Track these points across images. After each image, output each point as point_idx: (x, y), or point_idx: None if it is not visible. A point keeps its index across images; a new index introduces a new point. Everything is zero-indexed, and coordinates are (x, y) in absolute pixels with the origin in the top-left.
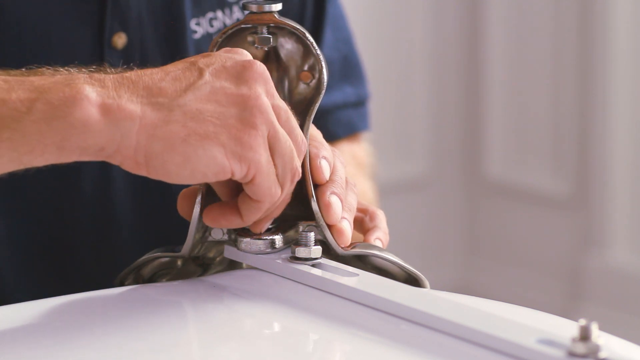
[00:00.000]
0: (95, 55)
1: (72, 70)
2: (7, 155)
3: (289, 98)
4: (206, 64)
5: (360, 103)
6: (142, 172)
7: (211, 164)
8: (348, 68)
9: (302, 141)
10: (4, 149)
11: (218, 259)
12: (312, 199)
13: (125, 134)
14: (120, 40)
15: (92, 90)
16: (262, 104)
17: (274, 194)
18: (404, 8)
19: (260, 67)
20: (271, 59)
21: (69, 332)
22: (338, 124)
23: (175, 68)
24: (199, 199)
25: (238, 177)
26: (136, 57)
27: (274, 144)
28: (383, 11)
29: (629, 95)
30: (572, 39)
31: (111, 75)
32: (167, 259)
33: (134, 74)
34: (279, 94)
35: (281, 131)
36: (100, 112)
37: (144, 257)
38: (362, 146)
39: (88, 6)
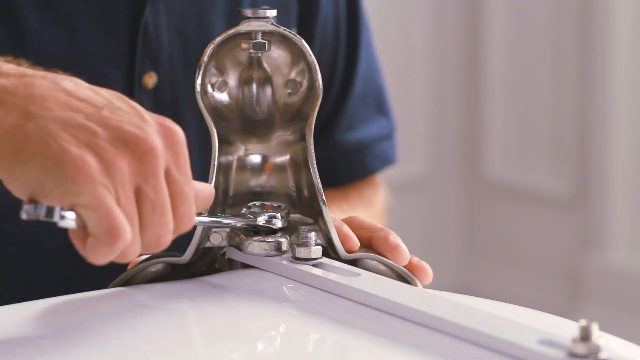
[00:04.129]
0: (126, 95)
1: None
2: None
3: (273, 105)
4: (114, 110)
5: (392, 134)
6: None
7: (26, 184)
8: (381, 100)
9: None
10: None
11: (205, 268)
12: (322, 205)
13: None
14: (150, 79)
15: None
16: (114, 167)
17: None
18: (404, 8)
19: (151, 152)
20: (254, 65)
21: (69, 332)
22: (375, 158)
23: (96, 94)
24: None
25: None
26: (167, 97)
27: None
28: (383, 11)
29: (629, 95)
30: (572, 39)
31: (12, 72)
32: (159, 267)
33: (39, 77)
34: (262, 100)
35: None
36: None
37: (139, 266)
38: (378, 191)
39: (119, 46)
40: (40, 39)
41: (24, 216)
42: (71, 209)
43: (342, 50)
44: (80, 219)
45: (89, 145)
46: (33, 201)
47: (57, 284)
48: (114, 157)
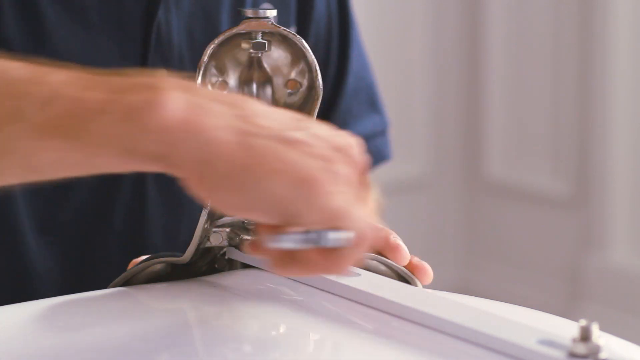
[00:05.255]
0: None
1: (160, 74)
2: (74, 156)
3: (273, 105)
4: (308, 126)
5: (385, 130)
6: (203, 193)
7: (268, 198)
8: (373, 96)
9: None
10: (71, 150)
11: (205, 268)
12: None
13: (198, 147)
14: None
15: (176, 97)
16: (345, 174)
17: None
18: (404, 8)
19: (359, 163)
20: (254, 65)
21: (69, 332)
22: (369, 154)
23: (280, 112)
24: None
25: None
26: None
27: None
28: (383, 11)
29: (629, 95)
30: (572, 39)
31: (208, 90)
32: (159, 267)
33: (236, 97)
34: (262, 100)
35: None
36: (178, 121)
37: (139, 266)
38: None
39: (133, 44)
40: (57, 34)
41: (295, 245)
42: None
43: (334, 47)
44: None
45: (313, 155)
46: (275, 231)
47: (67, 276)
48: (343, 167)
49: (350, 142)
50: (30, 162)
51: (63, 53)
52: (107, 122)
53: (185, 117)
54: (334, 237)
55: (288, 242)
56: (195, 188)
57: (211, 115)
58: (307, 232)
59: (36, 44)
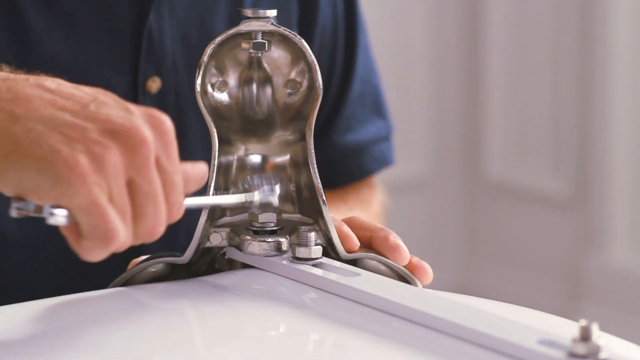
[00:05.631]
0: (129, 99)
1: None
2: None
3: (273, 105)
4: (100, 105)
5: (389, 136)
6: None
7: (20, 185)
8: (379, 101)
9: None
10: None
11: (205, 268)
12: (322, 205)
13: None
14: (154, 84)
15: None
16: (107, 164)
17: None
18: (404, 8)
19: (142, 144)
20: (254, 65)
21: (69, 332)
22: (373, 159)
23: (80, 91)
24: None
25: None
26: (171, 101)
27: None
28: (383, 11)
29: (629, 95)
30: (572, 40)
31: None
32: (159, 267)
33: (22, 79)
34: (262, 100)
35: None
36: None
37: (139, 266)
38: (375, 192)
39: (124, 51)
40: (46, 43)
41: (14, 214)
42: (65, 209)
43: (340, 52)
44: (71, 217)
45: (79, 141)
46: (21, 198)
47: (59, 287)
48: (105, 151)
49: (133, 125)
50: None
51: (52, 61)
52: None
53: None
54: (53, 212)
55: (14, 210)
56: None
57: None
58: (27, 202)
59: (24, 53)
